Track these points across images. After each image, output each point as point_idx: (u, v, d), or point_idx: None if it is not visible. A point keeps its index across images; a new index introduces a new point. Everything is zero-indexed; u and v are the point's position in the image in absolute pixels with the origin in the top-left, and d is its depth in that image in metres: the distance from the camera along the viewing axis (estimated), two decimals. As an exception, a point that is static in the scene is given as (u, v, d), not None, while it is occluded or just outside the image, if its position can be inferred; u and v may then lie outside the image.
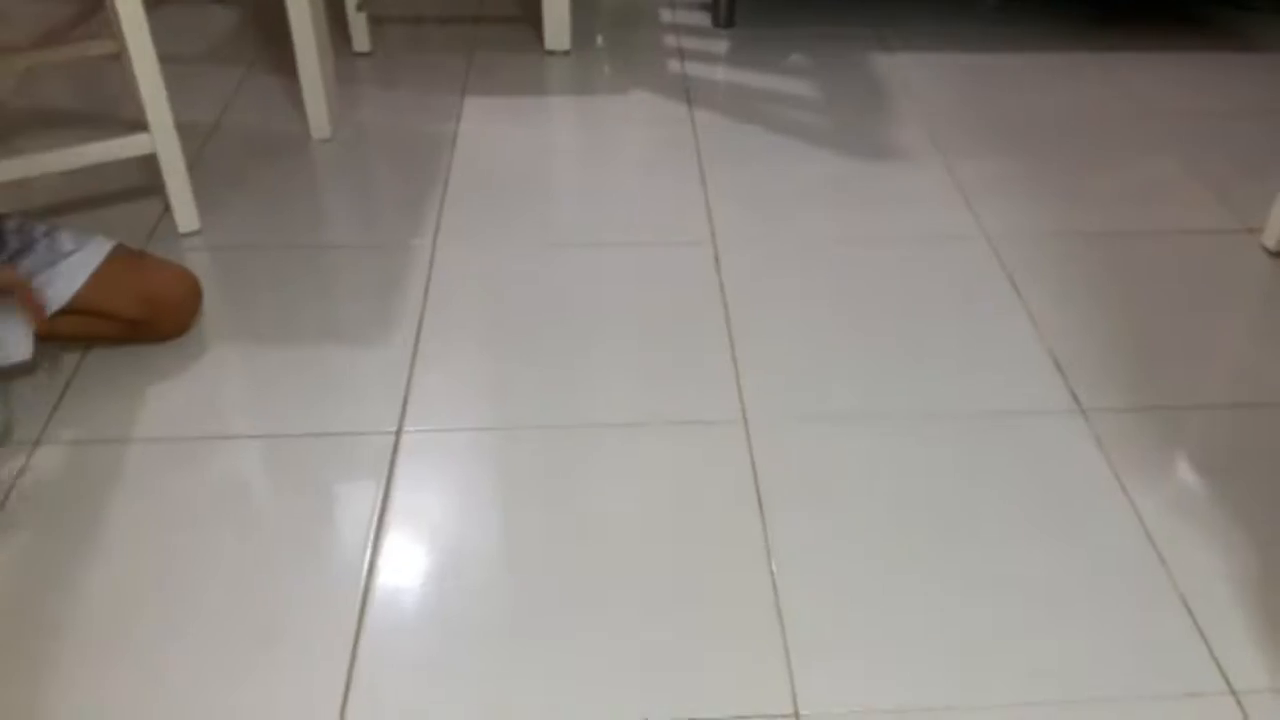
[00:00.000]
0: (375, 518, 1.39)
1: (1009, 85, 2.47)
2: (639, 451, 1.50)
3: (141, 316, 1.62)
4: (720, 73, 2.53)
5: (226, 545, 1.35)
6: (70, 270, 1.55)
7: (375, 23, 2.64)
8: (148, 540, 1.35)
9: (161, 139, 1.81)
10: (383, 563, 1.33)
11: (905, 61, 2.56)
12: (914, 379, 1.63)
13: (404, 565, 1.33)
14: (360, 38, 2.54)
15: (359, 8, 2.48)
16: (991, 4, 2.82)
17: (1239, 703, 1.18)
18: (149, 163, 1.84)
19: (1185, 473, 1.47)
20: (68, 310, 1.55)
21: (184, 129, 1.85)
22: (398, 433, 1.51)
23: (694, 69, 2.53)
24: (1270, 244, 1.91)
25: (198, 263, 1.81)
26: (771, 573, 1.32)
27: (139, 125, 1.82)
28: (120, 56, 1.80)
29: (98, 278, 1.57)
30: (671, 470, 1.47)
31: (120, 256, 1.61)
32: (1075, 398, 1.59)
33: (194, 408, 1.56)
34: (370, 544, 1.35)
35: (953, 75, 2.51)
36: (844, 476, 1.46)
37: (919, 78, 2.48)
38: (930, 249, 1.91)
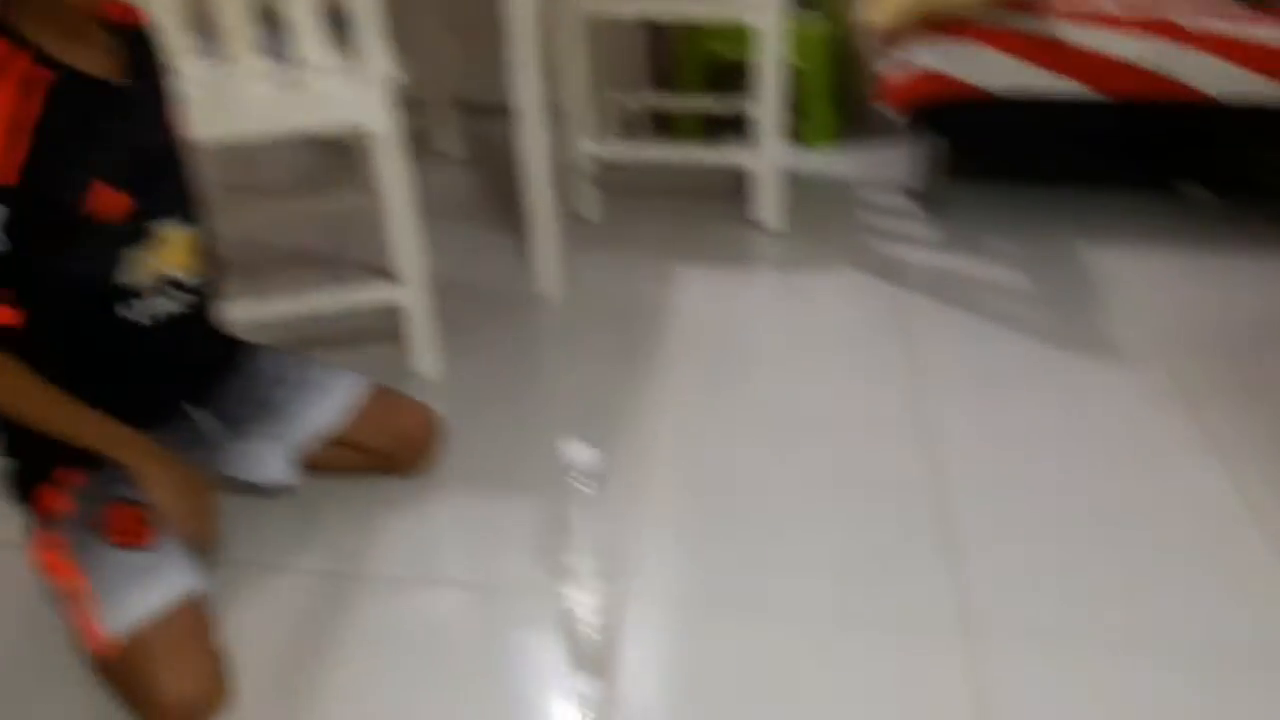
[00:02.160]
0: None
1: (1223, 285, 2.41)
2: (844, 659, 1.49)
3: (391, 451, 1.73)
4: (927, 258, 2.56)
5: (415, 695, 1.43)
6: (331, 403, 1.66)
7: (604, 192, 2.78)
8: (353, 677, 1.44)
9: (413, 290, 1.96)
10: None
11: (1113, 256, 2.53)
12: (1139, 601, 1.57)
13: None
14: (589, 207, 2.70)
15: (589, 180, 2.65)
16: (1204, 197, 2.78)
17: None
18: (385, 309, 2.00)
19: None
20: (325, 440, 1.66)
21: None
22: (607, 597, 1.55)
23: (902, 252, 2.58)
24: None
25: (436, 408, 1.90)
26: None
27: (378, 270, 1.98)
28: (370, 207, 1.95)
29: (354, 411, 1.68)
30: (878, 681, 1.46)
31: (375, 392, 1.71)
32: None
33: (414, 547, 1.67)
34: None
35: (1163, 272, 2.47)
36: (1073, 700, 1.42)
37: (1129, 273, 2.45)
38: (1155, 463, 1.86)
